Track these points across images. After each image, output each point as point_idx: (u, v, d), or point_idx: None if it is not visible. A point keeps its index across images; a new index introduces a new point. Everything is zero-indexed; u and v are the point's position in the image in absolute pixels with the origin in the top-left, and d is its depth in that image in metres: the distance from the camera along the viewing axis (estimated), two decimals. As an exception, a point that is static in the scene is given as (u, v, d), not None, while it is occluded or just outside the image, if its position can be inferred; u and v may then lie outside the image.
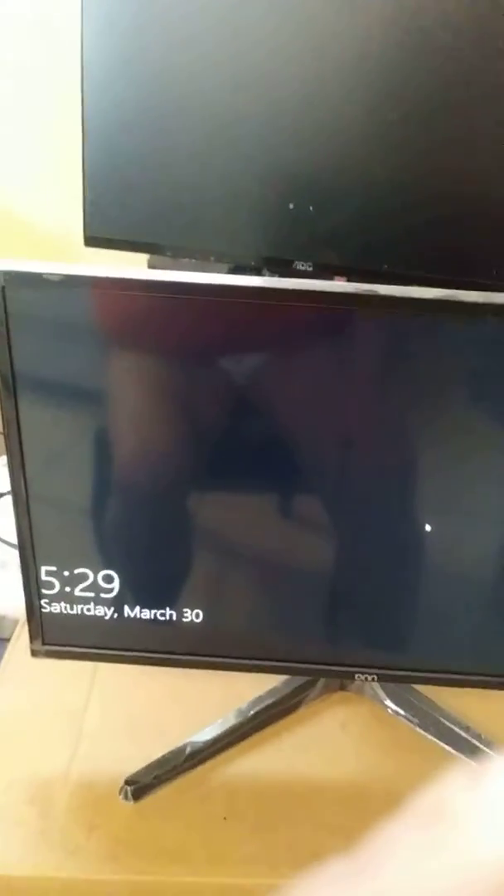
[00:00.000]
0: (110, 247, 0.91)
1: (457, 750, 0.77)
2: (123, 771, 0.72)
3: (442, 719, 0.80)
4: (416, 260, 0.86)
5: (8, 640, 0.88)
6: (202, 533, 0.69)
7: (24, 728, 0.78)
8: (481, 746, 0.77)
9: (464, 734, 0.78)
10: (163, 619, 0.70)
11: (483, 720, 0.80)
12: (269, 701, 0.80)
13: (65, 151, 0.89)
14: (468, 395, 0.62)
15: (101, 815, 0.70)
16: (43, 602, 0.69)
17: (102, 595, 0.69)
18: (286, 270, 0.87)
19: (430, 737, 0.79)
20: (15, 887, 0.65)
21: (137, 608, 0.69)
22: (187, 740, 0.75)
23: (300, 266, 0.87)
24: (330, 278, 0.86)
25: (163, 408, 0.65)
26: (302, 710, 0.81)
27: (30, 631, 0.70)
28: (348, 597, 0.71)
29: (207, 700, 0.80)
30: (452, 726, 0.79)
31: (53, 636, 0.71)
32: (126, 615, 0.69)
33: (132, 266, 0.92)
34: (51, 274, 0.57)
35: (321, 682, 0.83)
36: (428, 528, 0.66)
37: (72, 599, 0.69)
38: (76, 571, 0.68)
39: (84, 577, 0.68)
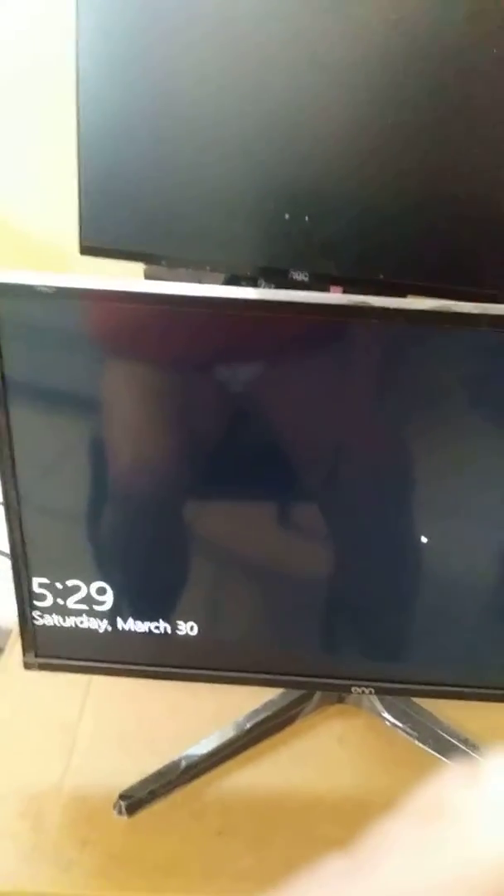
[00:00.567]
0: (106, 256, 0.90)
1: (455, 763, 0.77)
2: (117, 785, 0.72)
3: (440, 732, 0.79)
4: (414, 269, 0.85)
5: (2, 650, 0.88)
6: (196, 545, 0.68)
7: (17, 741, 0.78)
8: (479, 759, 0.76)
9: (462, 746, 0.78)
10: (157, 631, 0.69)
11: (482, 732, 0.80)
12: (265, 714, 0.79)
13: (60, 160, 0.89)
14: (464, 405, 0.62)
15: (94, 829, 0.69)
16: (35, 614, 0.68)
17: (96, 607, 0.68)
18: (282, 280, 0.87)
19: (428, 749, 0.78)
20: (7, 903, 0.65)
21: (131, 621, 0.69)
22: (182, 754, 0.75)
23: (296, 276, 0.87)
24: (327, 288, 0.86)
25: (155, 419, 0.65)
26: (298, 723, 0.81)
27: (23, 643, 0.70)
28: (345, 608, 0.71)
29: (203, 713, 0.80)
30: (451, 739, 0.79)
31: (46, 649, 0.70)
32: (120, 628, 0.69)
33: (129, 275, 0.92)
34: (43, 286, 0.57)
35: (318, 694, 0.82)
36: (425, 539, 0.66)
37: (65, 612, 0.68)
38: (69, 583, 0.67)
39: (77, 589, 0.68)
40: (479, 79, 0.76)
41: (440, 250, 0.83)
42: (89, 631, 0.69)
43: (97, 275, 0.58)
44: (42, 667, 0.71)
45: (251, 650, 0.72)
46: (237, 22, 0.78)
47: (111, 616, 0.69)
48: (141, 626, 0.69)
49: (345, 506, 0.66)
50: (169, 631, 0.69)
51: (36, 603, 0.68)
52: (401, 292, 0.81)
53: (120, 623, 0.69)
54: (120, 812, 0.70)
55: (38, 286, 0.56)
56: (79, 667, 0.72)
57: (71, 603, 0.68)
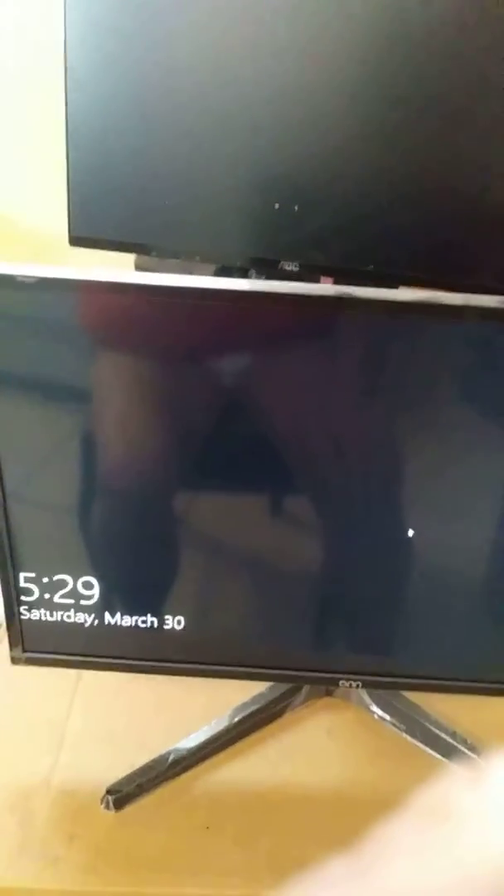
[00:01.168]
0: (95, 247, 0.90)
1: (443, 755, 0.77)
2: (105, 780, 0.72)
3: (428, 725, 0.79)
4: (403, 260, 0.85)
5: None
6: (184, 538, 0.68)
7: (5, 736, 0.77)
8: (468, 752, 0.76)
9: (450, 740, 0.78)
10: (144, 626, 0.69)
11: (470, 725, 0.80)
12: (254, 707, 0.79)
13: (49, 152, 0.88)
14: (453, 397, 0.61)
15: (82, 824, 0.69)
16: (22, 609, 0.68)
17: (82, 602, 0.68)
18: (272, 271, 0.86)
19: (416, 742, 0.78)
20: (-7, 899, 0.65)
21: (118, 615, 0.68)
22: (170, 748, 0.75)
23: (286, 266, 0.86)
24: (317, 279, 0.85)
25: (143, 411, 0.64)
26: (287, 717, 0.80)
27: (9, 638, 0.69)
28: (333, 602, 0.70)
29: (191, 707, 0.79)
30: (439, 732, 0.78)
31: (33, 643, 0.70)
32: (107, 622, 0.69)
33: (119, 266, 0.91)
34: (25, 276, 0.56)
35: (306, 688, 0.82)
36: (412, 532, 0.65)
37: (51, 606, 0.68)
38: (55, 578, 0.67)
39: (63, 583, 0.67)
40: (470, 69, 0.75)
41: (430, 241, 0.83)
42: (76, 625, 0.69)
43: (87, 266, 0.57)
44: (29, 661, 0.70)
45: (239, 644, 0.72)
46: (226, 12, 0.77)
47: (98, 610, 0.68)
48: (128, 620, 0.69)
49: (333, 499, 0.66)
50: (156, 625, 0.69)
51: (22, 598, 0.68)
52: (391, 283, 0.80)
53: (107, 617, 0.68)
54: (107, 807, 0.70)
55: (18, 276, 0.56)
56: (66, 661, 0.71)
57: (58, 597, 0.68)
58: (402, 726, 0.79)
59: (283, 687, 0.81)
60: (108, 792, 0.71)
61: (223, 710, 0.79)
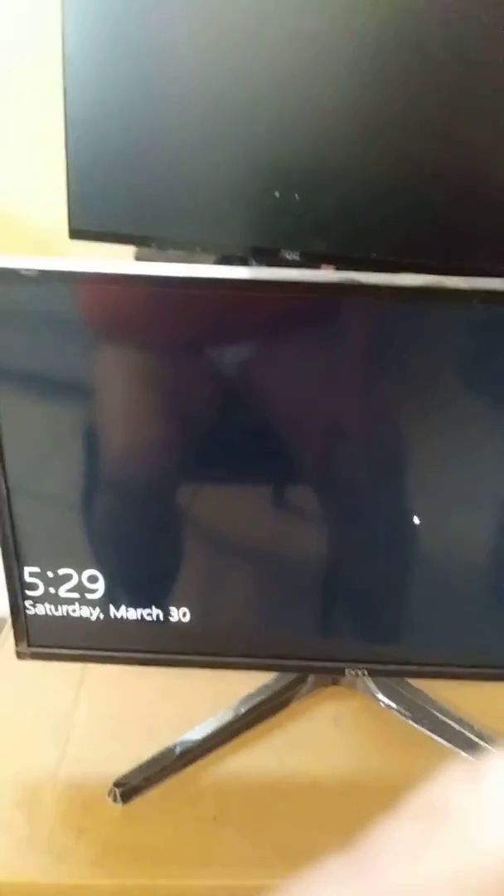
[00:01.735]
0: (95, 239, 0.89)
1: (450, 743, 0.77)
2: (112, 773, 0.72)
3: (435, 712, 0.79)
4: (405, 247, 0.84)
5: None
6: (188, 529, 0.68)
7: (11, 730, 0.77)
8: (475, 739, 0.76)
9: (457, 727, 0.78)
10: (149, 618, 0.69)
11: (476, 712, 0.80)
12: (260, 698, 0.79)
13: (48, 144, 0.87)
14: (457, 381, 0.61)
15: (89, 818, 0.69)
16: (27, 604, 0.68)
17: (87, 595, 0.68)
18: (273, 260, 0.86)
19: (423, 730, 0.78)
20: (2, 893, 0.64)
21: (123, 608, 0.68)
22: (177, 740, 0.75)
23: (287, 255, 0.86)
24: (318, 267, 0.84)
25: (146, 402, 0.64)
26: (293, 706, 0.80)
27: (14, 633, 0.69)
28: (338, 590, 0.70)
29: (197, 699, 0.79)
30: (446, 719, 0.78)
31: (39, 638, 0.70)
32: (112, 615, 0.68)
33: (119, 258, 0.91)
34: (27, 269, 0.56)
35: (312, 677, 0.82)
36: (417, 520, 0.65)
37: (57, 600, 0.68)
38: (60, 572, 0.67)
39: (68, 577, 0.67)
40: (470, 53, 0.75)
41: (432, 227, 0.82)
42: (81, 619, 0.68)
43: (87, 258, 0.57)
44: (35, 656, 0.70)
45: (244, 634, 0.72)
46: (225, 1, 0.77)
47: (103, 604, 0.68)
48: (133, 613, 0.68)
49: (338, 487, 0.66)
50: (161, 617, 0.69)
51: (27, 592, 0.68)
52: (393, 270, 0.79)
53: (112, 610, 0.68)
54: (115, 799, 0.70)
55: (21, 270, 0.55)
56: (72, 655, 0.71)
57: (63, 591, 0.68)
58: (409, 714, 0.79)
59: (289, 677, 0.81)
60: (115, 785, 0.71)
61: (229, 702, 0.79)
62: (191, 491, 0.67)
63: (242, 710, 0.78)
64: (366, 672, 0.72)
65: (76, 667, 0.82)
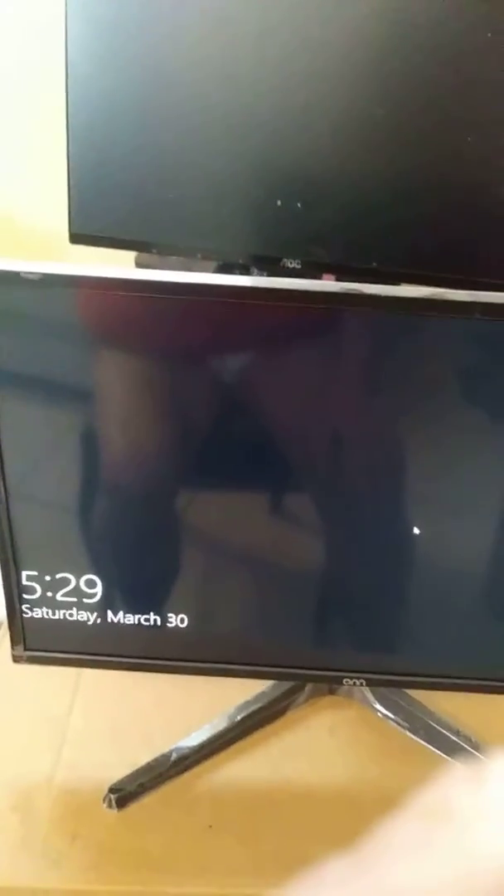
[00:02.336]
0: (96, 244, 0.89)
1: (447, 754, 0.76)
2: (107, 778, 0.71)
3: (432, 723, 0.79)
4: (406, 257, 0.84)
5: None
6: (187, 536, 0.68)
7: (7, 734, 0.77)
8: (472, 750, 0.76)
9: (454, 738, 0.77)
10: (147, 624, 0.68)
11: (474, 723, 0.79)
12: (256, 706, 0.79)
13: (50, 149, 0.88)
14: (457, 393, 0.61)
15: (84, 823, 0.69)
16: (24, 607, 0.68)
17: (85, 600, 0.67)
18: (274, 268, 0.86)
19: (420, 741, 0.78)
20: (-5, 898, 0.64)
21: (121, 613, 0.68)
22: (173, 747, 0.74)
23: (288, 263, 0.86)
24: (319, 276, 0.85)
25: (145, 408, 0.64)
26: (290, 715, 0.80)
27: (11, 636, 0.69)
28: (336, 600, 0.70)
29: (193, 705, 0.79)
30: (443, 730, 0.78)
31: (36, 642, 0.69)
32: (109, 620, 0.68)
33: (119, 264, 0.91)
34: (29, 273, 0.56)
35: (309, 686, 0.81)
36: (417, 530, 0.65)
37: (54, 605, 0.68)
38: (58, 576, 0.67)
39: (66, 581, 0.67)
40: (472, 64, 0.75)
41: (433, 238, 0.83)
42: (78, 623, 0.68)
43: (88, 263, 0.57)
44: (31, 660, 0.70)
45: (242, 642, 0.72)
46: (228, 7, 0.77)
47: (101, 608, 0.68)
48: (131, 619, 0.68)
49: (336, 496, 0.66)
50: (159, 623, 0.69)
51: (25, 596, 0.67)
52: (394, 280, 0.80)
53: (109, 615, 0.68)
54: (110, 805, 0.70)
55: (23, 273, 0.55)
56: (68, 660, 0.71)
57: (60, 595, 0.67)
58: (406, 724, 0.79)
59: (286, 685, 0.81)
60: (111, 790, 0.70)
61: (225, 709, 0.79)
62: (190, 498, 0.66)
63: (239, 717, 0.78)
64: (363, 682, 0.72)
65: (72, 671, 0.82)
